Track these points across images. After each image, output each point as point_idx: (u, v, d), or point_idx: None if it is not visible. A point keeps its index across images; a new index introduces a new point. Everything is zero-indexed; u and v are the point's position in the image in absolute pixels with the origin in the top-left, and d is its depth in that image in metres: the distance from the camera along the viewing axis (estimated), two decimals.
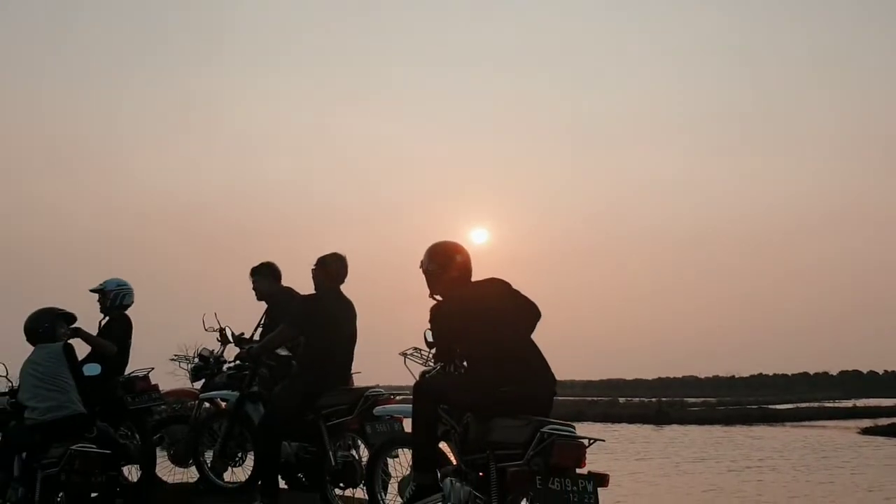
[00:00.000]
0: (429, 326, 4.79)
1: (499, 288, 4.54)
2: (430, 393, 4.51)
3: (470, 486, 4.24)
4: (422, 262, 4.65)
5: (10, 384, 6.27)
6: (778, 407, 53.93)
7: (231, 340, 6.48)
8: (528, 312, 4.55)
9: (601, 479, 3.82)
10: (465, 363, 4.53)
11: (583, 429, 4.00)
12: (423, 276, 4.65)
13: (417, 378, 4.87)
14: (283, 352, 5.91)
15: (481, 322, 4.34)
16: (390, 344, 5.38)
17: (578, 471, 3.82)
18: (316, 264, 5.73)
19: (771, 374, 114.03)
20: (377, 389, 5.46)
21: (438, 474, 4.45)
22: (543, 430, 3.81)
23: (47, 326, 5.89)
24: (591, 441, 3.92)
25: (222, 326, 6.59)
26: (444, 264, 4.57)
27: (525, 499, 3.95)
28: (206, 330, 6.51)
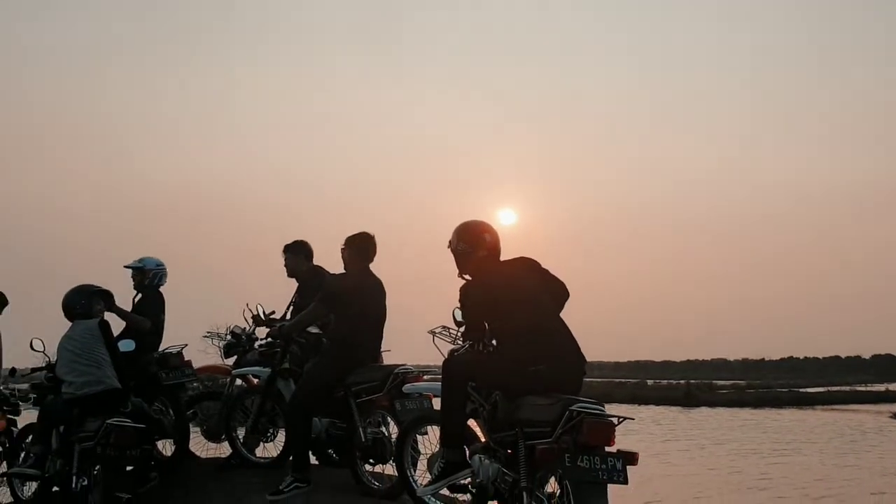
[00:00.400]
0: (457, 305, 4.82)
1: (528, 267, 4.54)
2: (458, 371, 4.54)
3: (499, 463, 4.27)
4: (450, 241, 4.66)
5: (47, 359, 6.41)
6: (808, 390, 53.47)
7: (263, 319, 6.55)
8: (557, 291, 4.56)
9: (630, 458, 3.83)
10: (493, 342, 4.55)
11: (610, 410, 4.01)
12: (452, 255, 4.66)
13: (446, 356, 4.90)
14: (313, 329, 5.96)
15: (510, 301, 4.35)
16: (419, 323, 5.41)
17: (607, 449, 3.83)
18: (345, 243, 5.76)
19: (802, 357, 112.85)
20: (406, 367, 5.50)
21: (467, 451, 4.50)
22: (572, 408, 3.82)
23: (83, 303, 6.00)
24: (621, 420, 3.92)
25: (256, 308, 6.66)
26: (473, 243, 4.57)
27: (554, 476, 3.98)
28: (245, 319, 6.59)
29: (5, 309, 7.08)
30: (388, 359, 5.93)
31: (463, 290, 4.54)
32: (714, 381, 63.65)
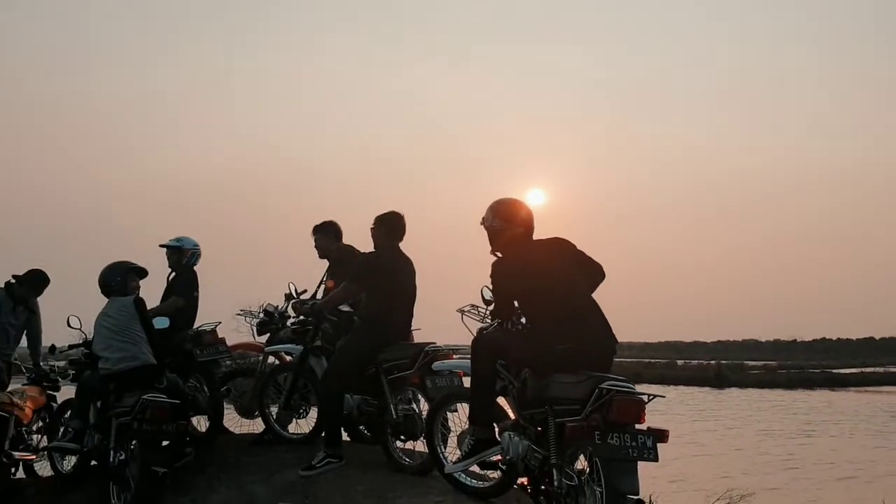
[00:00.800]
0: (486, 284, 4.84)
1: (562, 247, 4.53)
2: (487, 349, 4.56)
3: (528, 440, 4.29)
4: (484, 218, 4.66)
5: (84, 336, 6.54)
6: (841, 371, 52.75)
7: (295, 297, 6.62)
8: (592, 272, 4.56)
9: (661, 435, 3.84)
10: (522, 320, 4.56)
11: (640, 389, 4.01)
12: (486, 232, 4.66)
13: (475, 334, 4.93)
14: (344, 308, 6.02)
15: (542, 279, 4.35)
16: (448, 303, 5.44)
17: (637, 427, 3.84)
18: (374, 223, 5.79)
19: (835, 338, 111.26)
20: (437, 345, 5.54)
21: (496, 429, 4.53)
22: (602, 385, 3.83)
23: (119, 280, 6.09)
24: (651, 397, 3.93)
25: (288, 286, 6.74)
26: (508, 220, 4.57)
27: (583, 454, 4.00)
28: (286, 297, 6.66)
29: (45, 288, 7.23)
30: (418, 337, 5.98)
31: (494, 267, 4.54)
32: (745, 362, 63.06)
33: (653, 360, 61.00)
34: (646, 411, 3.86)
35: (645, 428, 3.86)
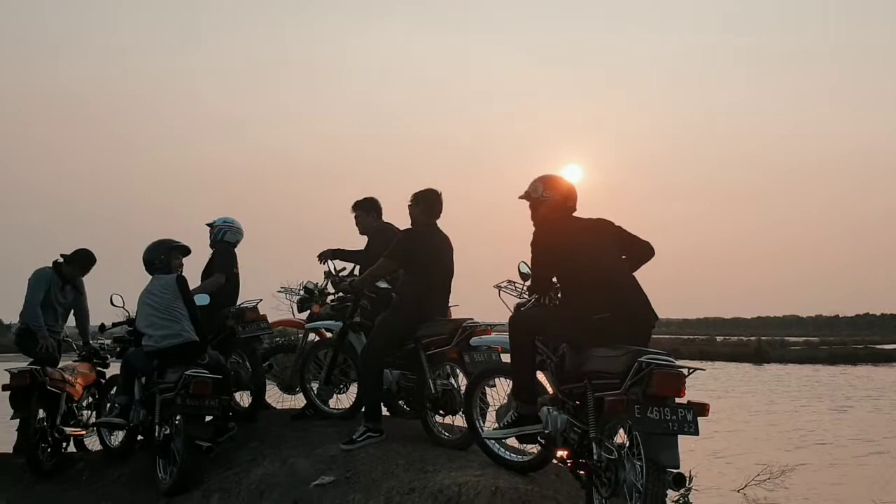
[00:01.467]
0: (524, 259, 4.84)
1: (604, 226, 4.54)
2: (525, 325, 4.57)
3: (567, 414, 4.31)
4: (530, 190, 4.66)
5: (127, 314, 6.68)
6: (884, 347, 51.86)
7: (334, 275, 6.68)
8: (638, 251, 4.56)
9: (701, 409, 3.82)
10: (559, 295, 4.56)
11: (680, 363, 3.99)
12: (530, 204, 4.66)
13: (512, 311, 4.94)
14: (383, 284, 6.06)
15: (580, 252, 4.35)
16: (485, 280, 5.44)
17: (678, 400, 3.82)
18: (412, 200, 5.81)
19: (878, 313, 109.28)
20: (474, 320, 5.56)
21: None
22: (642, 359, 3.82)
23: (163, 258, 6.20)
24: (691, 370, 3.91)
25: (327, 264, 6.80)
26: (557, 192, 4.58)
27: (623, 428, 4.00)
28: (326, 275, 6.74)
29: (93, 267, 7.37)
30: (456, 314, 6.00)
31: (535, 236, 4.55)
32: (786, 338, 62.33)
33: (692, 337, 60.49)
34: (686, 384, 3.85)
35: (685, 402, 3.84)
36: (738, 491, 10.42)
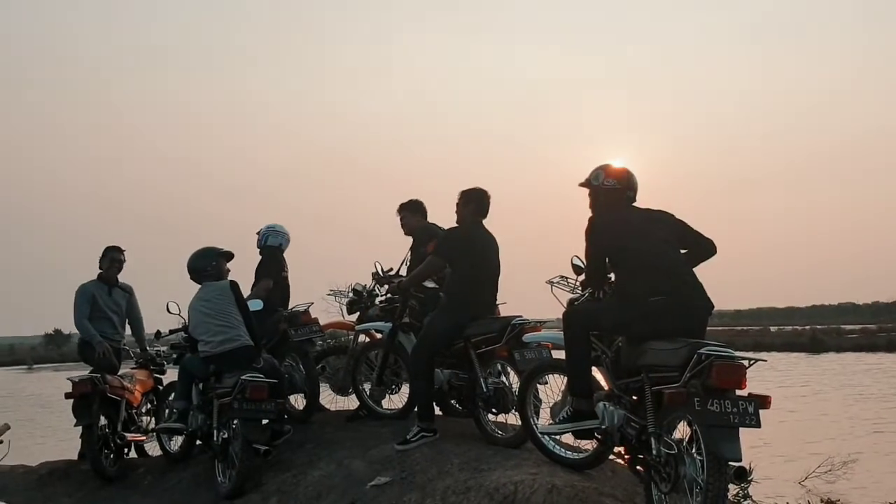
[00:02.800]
0: (576, 254, 4.79)
1: (666, 217, 4.47)
2: (579, 321, 4.52)
3: (624, 409, 4.26)
4: (592, 177, 4.58)
5: (183, 320, 6.77)
6: None
7: (381, 275, 6.71)
8: (699, 247, 4.48)
9: (763, 401, 3.74)
10: (612, 281, 4.50)
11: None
12: (592, 191, 4.59)
13: (565, 306, 4.90)
14: (430, 284, 6.07)
15: (638, 238, 4.29)
16: (534, 276, 5.42)
17: (738, 392, 3.75)
18: (459, 198, 5.81)
19: None
20: (523, 318, 5.53)
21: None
22: (701, 351, 3.75)
23: (214, 265, 6.28)
24: (752, 361, 3.83)
25: (375, 265, 6.84)
26: (622, 180, 4.52)
27: (682, 422, 3.93)
28: (373, 277, 6.78)
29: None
30: (504, 311, 5.98)
31: (590, 222, 4.49)
32: (842, 326, 60.91)
33: (746, 328, 59.46)
34: (746, 376, 3.77)
35: (746, 394, 3.76)
36: (799, 483, 10.20)
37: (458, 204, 5.81)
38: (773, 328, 60.70)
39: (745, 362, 3.79)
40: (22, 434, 16.73)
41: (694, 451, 3.80)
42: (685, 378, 3.77)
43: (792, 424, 15.30)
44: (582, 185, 4.65)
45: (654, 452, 3.98)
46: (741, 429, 3.70)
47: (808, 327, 53.80)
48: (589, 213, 4.62)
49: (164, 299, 6.81)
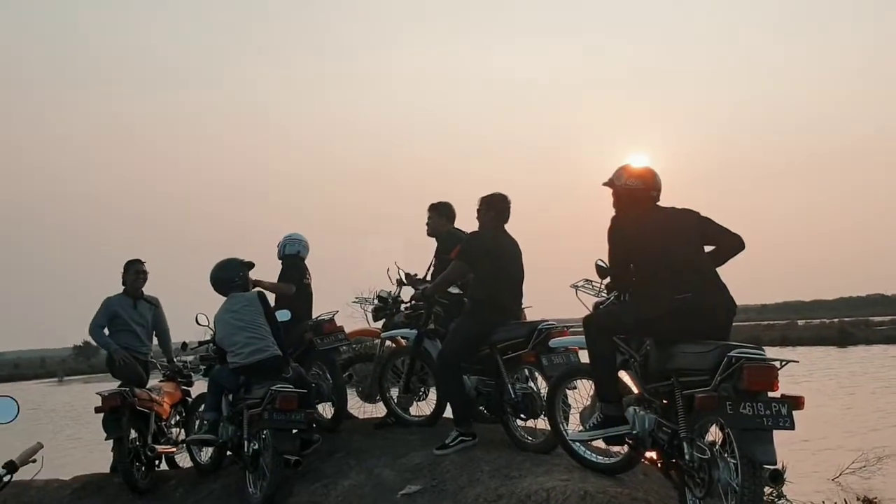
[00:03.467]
0: (600, 257, 4.75)
1: (690, 216, 4.42)
2: (600, 324, 4.49)
3: (654, 414, 4.22)
4: (614, 178, 4.53)
5: (212, 332, 6.81)
6: None
7: (405, 282, 6.71)
8: (726, 244, 4.42)
9: (795, 402, 3.69)
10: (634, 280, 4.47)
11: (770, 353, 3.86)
12: (615, 192, 4.54)
13: (590, 310, 4.86)
14: (454, 290, 6.06)
15: (660, 238, 4.25)
16: (560, 278, 5.39)
17: (770, 394, 3.70)
18: (480, 204, 5.80)
19: None
20: (549, 322, 5.50)
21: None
22: (731, 353, 3.71)
23: (241, 275, 6.31)
24: (783, 363, 3.78)
25: (399, 271, 6.84)
26: (645, 181, 4.46)
27: (714, 425, 3.89)
28: (392, 281, 6.79)
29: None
30: (530, 315, 5.97)
31: (613, 222, 4.45)
32: (870, 318, 60.13)
33: (772, 322, 58.85)
34: (778, 377, 3.72)
35: (778, 395, 3.72)
36: (833, 480, 10.05)
37: (478, 210, 5.81)
38: (800, 322, 60.04)
39: (777, 364, 3.74)
40: (54, 446, 16.97)
41: (727, 454, 3.76)
42: (716, 381, 3.73)
43: (814, 419, 15.11)
44: (605, 184, 4.61)
45: (687, 457, 3.94)
46: (775, 431, 3.66)
47: (835, 320, 53.19)
48: (613, 213, 4.58)
49: (189, 310, 6.87)
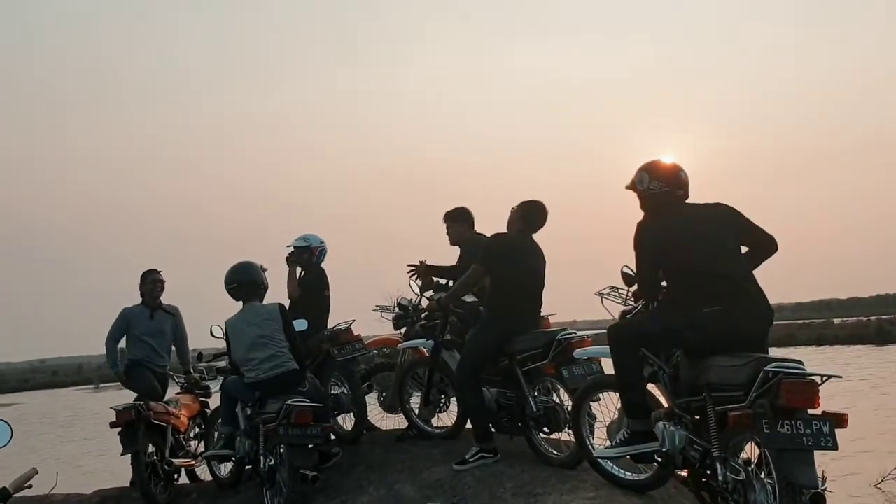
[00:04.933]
0: (626, 263, 4.54)
1: (723, 212, 4.13)
2: (625, 336, 4.23)
3: (685, 430, 3.97)
4: (636, 181, 4.26)
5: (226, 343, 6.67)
6: None
7: (420, 294, 6.54)
8: (759, 244, 4.14)
9: (839, 420, 3.43)
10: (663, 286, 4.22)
11: (793, 354, 3.59)
12: (639, 196, 4.28)
13: (617, 318, 4.63)
14: (469, 298, 5.86)
15: (690, 240, 3.98)
16: (586, 284, 5.16)
17: (811, 412, 3.44)
18: (518, 207, 5.58)
19: None
20: (570, 332, 5.26)
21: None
22: (767, 368, 3.45)
23: (266, 283, 6.14)
24: (825, 378, 3.51)
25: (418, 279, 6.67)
26: (669, 182, 4.17)
27: (750, 444, 3.64)
28: (413, 292, 6.62)
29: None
30: (554, 321, 5.76)
31: (639, 226, 4.18)
32: None
33: (807, 321, 57.86)
34: (820, 393, 3.46)
35: (819, 412, 3.46)
36: (875, 486, 9.68)
37: (513, 209, 5.59)
38: (836, 320, 58.92)
39: (818, 379, 3.48)
40: (86, 452, 17.09)
41: (764, 475, 3.51)
42: (751, 398, 3.48)
43: (860, 421, 14.67)
44: (628, 188, 4.37)
45: (720, 478, 3.70)
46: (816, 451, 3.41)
47: (873, 318, 52.10)
48: (639, 215, 4.32)
49: (204, 318, 6.75)
